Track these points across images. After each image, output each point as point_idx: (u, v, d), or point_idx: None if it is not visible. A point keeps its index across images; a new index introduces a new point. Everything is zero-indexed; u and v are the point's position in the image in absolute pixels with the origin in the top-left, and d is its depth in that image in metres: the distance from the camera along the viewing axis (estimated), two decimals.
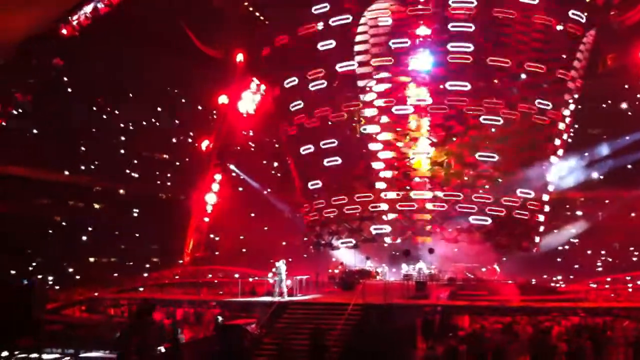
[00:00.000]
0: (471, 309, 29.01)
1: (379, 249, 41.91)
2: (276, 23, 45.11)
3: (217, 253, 53.59)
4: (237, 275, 39.61)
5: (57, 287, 43.20)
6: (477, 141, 39.78)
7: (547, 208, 41.48)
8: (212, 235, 53.64)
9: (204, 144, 52.82)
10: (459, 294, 32.11)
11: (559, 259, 50.54)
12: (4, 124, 50.40)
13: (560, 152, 41.57)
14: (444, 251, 40.43)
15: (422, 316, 27.43)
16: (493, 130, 40.10)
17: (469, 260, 40.96)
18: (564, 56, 40.32)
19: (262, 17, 51.78)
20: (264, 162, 61.12)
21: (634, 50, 45.27)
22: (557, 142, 41.11)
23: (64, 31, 42.97)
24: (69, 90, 54.92)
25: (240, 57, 53.76)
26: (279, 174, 57.99)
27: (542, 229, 41.58)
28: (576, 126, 45.71)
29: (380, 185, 40.65)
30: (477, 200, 39.34)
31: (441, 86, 39.75)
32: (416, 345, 27.03)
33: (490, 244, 39.79)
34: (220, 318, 28.83)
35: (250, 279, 36.31)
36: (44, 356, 23.75)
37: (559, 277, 48.21)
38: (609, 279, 39.08)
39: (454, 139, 39.67)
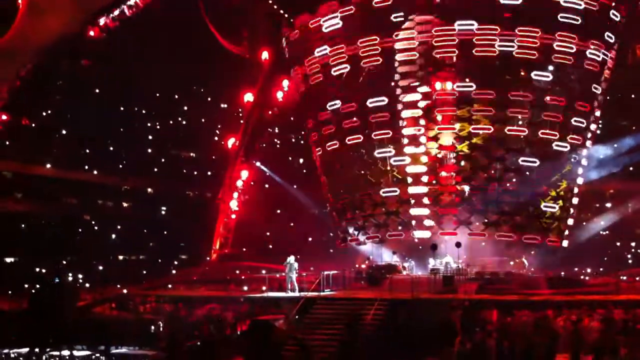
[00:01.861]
0: (499, 303, 28.78)
1: (405, 243, 41.78)
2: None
3: (244, 250, 53.86)
4: (264, 272, 39.76)
5: (87, 285, 43.75)
6: (505, 134, 39.42)
7: (575, 200, 41.02)
8: (238, 232, 53.92)
9: (230, 142, 53.09)
10: (487, 288, 31.88)
11: (588, 252, 49.90)
12: (33, 125, 51.25)
13: (589, 143, 41.05)
14: (472, 245, 40.19)
15: (451, 311, 27.35)
16: (520, 122, 39.76)
17: (496, 254, 40.69)
18: (592, 47, 39.71)
19: (286, 15, 51.81)
20: (290, 158, 61.29)
21: None
22: (586, 133, 40.58)
23: (92, 33, 43.49)
24: (97, 90, 55.58)
25: (265, 55, 53.94)
26: (304, 170, 58.09)
27: (570, 221, 41.09)
28: (605, 117, 45.02)
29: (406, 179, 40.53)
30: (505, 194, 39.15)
31: (467, 80, 39.51)
32: (445, 340, 26.94)
33: (518, 237, 39.40)
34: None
35: (277, 275, 36.44)
36: (75, 353, 24.15)
37: (589, 270, 47.65)
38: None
39: (481, 132, 39.34)
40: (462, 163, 39.86)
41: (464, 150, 39.64)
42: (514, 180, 39.88)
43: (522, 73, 39.55)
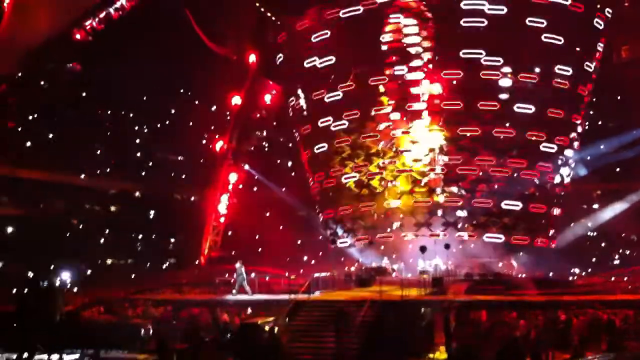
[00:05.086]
0: (489, 304, 28.93)
1: (394, 245, 41.87)
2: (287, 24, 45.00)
3: (233, 253, 53.74)
4: (253, 275, 39.72)
5: (75, 289, 43.44)
6: (492, 136, 39.59)
7: (563, 201, 41.26)
8: (227, 235, 53.86)
9: (218, 145, 53.00)
10: (476, 289, 32.03)
11: (575, 253, 50.19)
12: (19, 128, 50.95)
13: (576, 144, 41.30)
14: (461, 247, 40.35)
15: (440, 312, 27.47)
16: (507, 124, 39.99)
17: (485, 255, 40.85)
18: (578, 49, 40.00)
19: (273, 18, 51.84)
20: (278, 161, 61.25)
21: None
22: (573, 134, 40.83)
23: (78, 36, 43.24)
24: (84, 94, 55.31)
25: (252, 58, 53.89)
26: (293, 173, 58.07)
27: (558, 222, 41.32)
28: (592, 118, 45.31)
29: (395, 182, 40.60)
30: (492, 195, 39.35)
31: (454, 82, 39.67)
32: (433, 341, 27.06)
33: (507, 239, 39.61)
34: None
35: (267, 278, 36.50)
36: (64, 357, 23.99)
37: (576, 271, 47.94)
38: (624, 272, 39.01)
39: (468, 134, 39.47)
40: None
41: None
42: (501, 182, 39.97)
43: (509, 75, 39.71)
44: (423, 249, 36.41)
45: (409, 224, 39.87)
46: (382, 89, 40.91)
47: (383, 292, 29.05)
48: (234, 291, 32.48)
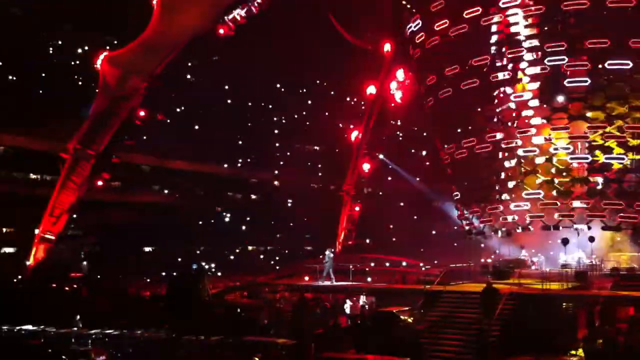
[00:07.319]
0: (637, 300, 27.44)
1: (534, 237, 40.49)
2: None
3: (367, 241, 54.31)
4: (388, 264, 39.93)
5: (219, 274, 45.65)
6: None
7: None
8: (362, 224, 54.43)
9: (353, 135, 53.58)
10: (622, 284, 30.42)
11: None
12: (168, 120, 54.04)
13: None
14: (606, 239, 38.36)
15: (583, 308, 26.48)
16: None
17: (634, 249, 38.58)
18: None
19: (409, 6, 51.45)
20: (412, 150, 61.07)
21: None
22: None
23: (221, 31, 44.90)
24: (226, 87, 57.81)
25: (387, 47, 53.85)
26: (427, 163, 57.71)
27: None
28: None
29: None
30: None
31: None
32: (576, 337, 26.13)
33: None
34: None
35: (404, 264, 36.60)
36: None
37: None
38: None
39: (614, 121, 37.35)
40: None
41: (597, 140, 37.73)
42: None
43: None
44: (565, 241, 35.04)
45: (550, 215, 38.31)
46: (520, 75, 39.39)
47: (522, 285, 28.40)
48: (323, 278, 33.24)
